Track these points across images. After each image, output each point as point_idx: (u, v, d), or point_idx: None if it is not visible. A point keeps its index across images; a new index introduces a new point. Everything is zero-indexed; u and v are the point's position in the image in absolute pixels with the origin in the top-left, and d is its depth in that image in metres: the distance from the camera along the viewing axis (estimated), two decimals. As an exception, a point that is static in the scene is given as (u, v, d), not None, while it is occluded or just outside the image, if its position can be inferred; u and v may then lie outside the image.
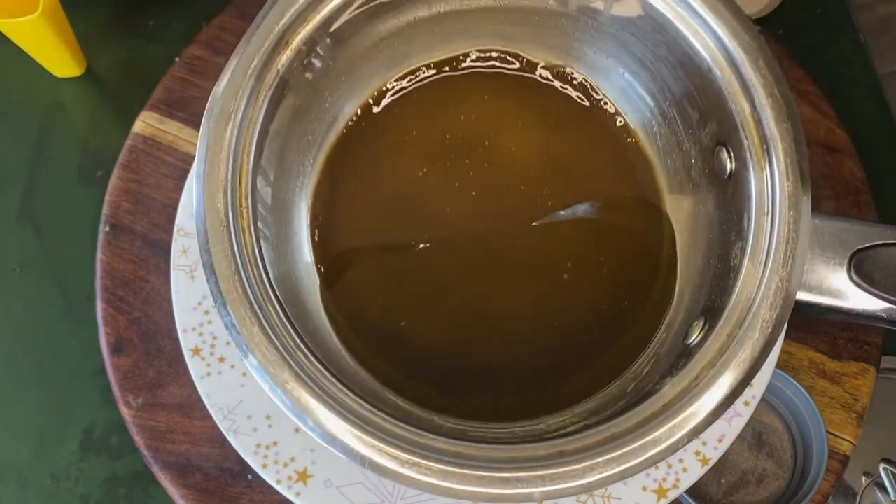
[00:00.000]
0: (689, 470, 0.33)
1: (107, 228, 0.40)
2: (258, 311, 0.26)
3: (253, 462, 0.34)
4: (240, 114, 0.28)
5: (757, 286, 0.27)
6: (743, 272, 0.27)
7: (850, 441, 0.38)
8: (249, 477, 0.36)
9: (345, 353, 0.32)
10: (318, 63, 0.31)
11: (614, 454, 0.25)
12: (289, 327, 0.27)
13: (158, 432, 0.37)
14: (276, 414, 0.34)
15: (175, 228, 0.37)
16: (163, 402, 0.37)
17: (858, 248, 0.27)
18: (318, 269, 0.33)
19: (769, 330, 0.26)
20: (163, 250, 0.39)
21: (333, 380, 0.26)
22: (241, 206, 0.27)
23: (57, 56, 0.44)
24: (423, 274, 0.34)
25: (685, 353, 0.28)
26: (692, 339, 0.29)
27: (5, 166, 0.44)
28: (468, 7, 0.34)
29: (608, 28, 0.33)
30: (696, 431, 0.25)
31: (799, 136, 0.28)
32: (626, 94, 0.35)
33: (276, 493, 0.34)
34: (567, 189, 0.35)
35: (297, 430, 0.34)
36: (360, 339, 0.33)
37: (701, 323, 0.29)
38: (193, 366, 0.35)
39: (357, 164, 0.35)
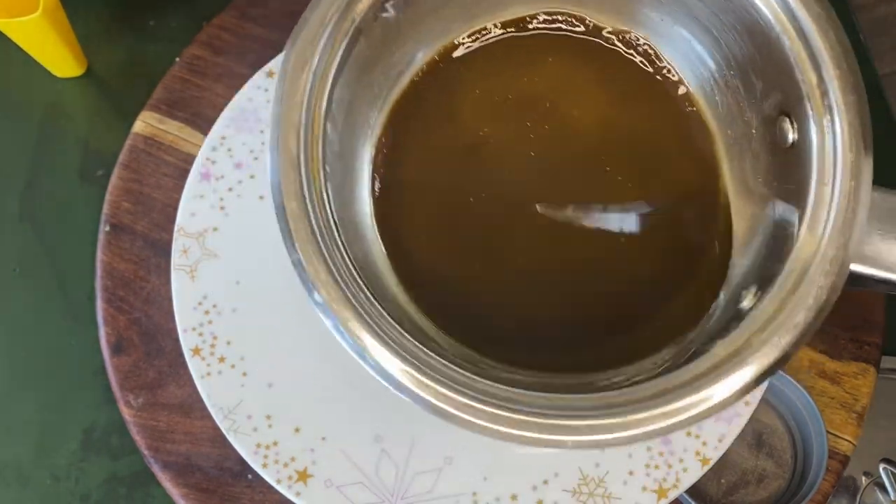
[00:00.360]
0: (689, 470, 0.34)
1: (107, 228, 0.40)
2: (324, 250, 0.27)
3: (253, 462, 0.34)
4: (315, 60, 0.29)
5: (813, 254, 0.27)
6: (799, 240, 0.27)
7: (850, 441, 0.38)
8: (250, 477, 0.36)
9: (402, 299, 0.32)
10: (390, 15, 0.31)
11: (663, 409, 0.25)
12: (352, 269, 0.27)
13: (159, 432, 0.37)
14: (276, 414, 0.34)
15: (175, 228, 0.37)
16: (163, 401, 0.37)
17: None
18: (377, 220, 0.34)
19: (823, 297, 0.26)
20: (163, 250, 0.39)
21: (393, 322, 0.27)
22: (312, 150, 0.28)
23: (57, 56, 0.44)
24: (480, 229, 0.34)
25: (737, 317, 0.28)
26: (744, 303, 0.29)
27: (5, 166, 0.44)
28: None
29: None
30: (746, 391, 0.26)
31: (863, 109, 0.28)
32: (690, 62, 0.35)
33: (277, 492, 0.34)
34: (626, 153, 0.35)
35: (296, 429, 0.34)
36: (416, 288, 0.33)
37: (754, 289, 0.29)
38: (194, 366, 0.35)
39: (420, 119, 0.35)
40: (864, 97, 0.28)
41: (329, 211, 0.28)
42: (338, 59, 0.29)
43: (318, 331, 0.36)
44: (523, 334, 0.33)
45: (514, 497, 0.33)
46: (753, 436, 0.39)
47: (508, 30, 0.36)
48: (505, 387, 0.26)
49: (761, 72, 0.31)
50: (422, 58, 0.35)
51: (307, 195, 0.27)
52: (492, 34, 0.36)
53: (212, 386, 0.35)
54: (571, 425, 0.25)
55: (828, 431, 0.38)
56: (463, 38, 0.36)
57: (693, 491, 0.37)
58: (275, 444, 0.34)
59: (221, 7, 0.44)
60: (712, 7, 0.32)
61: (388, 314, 0.27)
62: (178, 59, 0.43)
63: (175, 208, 0.37)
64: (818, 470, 0.37)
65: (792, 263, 0.27)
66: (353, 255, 0.28)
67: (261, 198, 0.38)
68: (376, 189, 0.34)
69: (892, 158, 0.46)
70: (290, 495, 0.33)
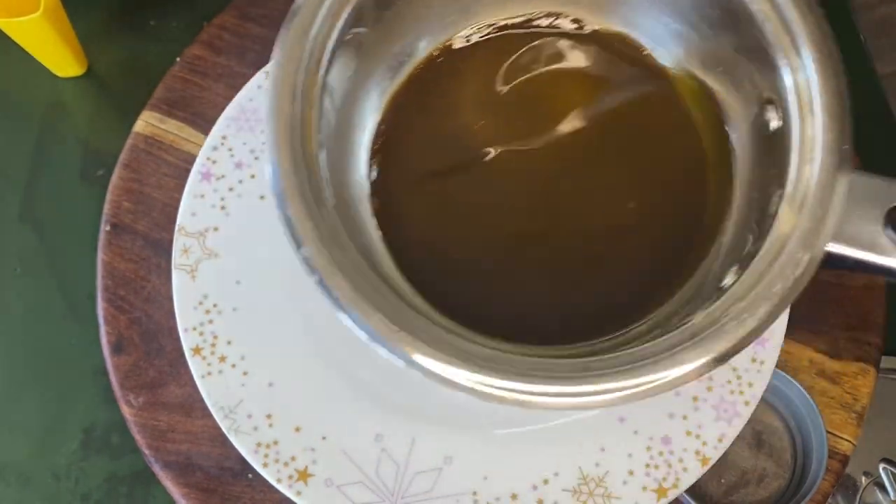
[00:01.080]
0: (689, 469, 0.34)
1: (108, 228, 0.40)
2: (313, 207, 0.27)
3: (253, 461, 0.34)
4: (314, 29, 0.29)
5: (792, 228, 0.27)
6: (779, 217, 0.28)
7: (850, 441, 0.38)
8: (250, 476, 0.36)
9: (398, 282, 0.33)
10: (388, 8, 0.32)
11: (639, 375, 0.26)
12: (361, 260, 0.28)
13: (159, 431, 0.37)
14: (276, 413, 0.34)
15: (176, 228, 0.37)
16: (163, 401, 0.37)
17: (895, 205, 0.28)
18: (373, 200, 0.34)
19: (801, 269, 0.27)
20: (164, 250, 0.39)
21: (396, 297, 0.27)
22: (309, 110, 0.28)
23: (58, 55, 0.44)
24: (477, 217, 0.35)
25: (718, 294, 0.28)
26: (726, 281, 0.29)
27: (6, 165, 0.44)
28: None
29: None
30: (722, 358, 0.26)
31: (842, 91, 0.29)
32: (677, 57, 0.36)
33: (277, 492, 0.34)
34: (620, 143, 0.36)
35: (297, 429, 0.34)
36: (415, 273, 0.33)
37: (736, 268, 0.29)
38: (194, 365, 0.35)
39: (417, 111, 0.36)
40: (843, 80, 0.29)
41: (323, 178, 0.28)
42: (336, 32, 0.30)
43: (318, 330, 0.36)
44: (518, 313, 0.33)
45: (514, 496, 0.33)
46: (753, 436, 0.39)
47: (502, 29, 0.37)
48: (490, 348, 0.26)
49: (747, 63, 0.32)
50: (420, 52, 0.36)
51: (303, 162, 0.28)
52: (485, 33, 0.37)
53: (212, 385, 0.35)
54: (546, 390, 0.25)
55: (828, 431, 0.38)
56: (459, 35, 0.37)
57: (693, 491, 0.37)
58: (275, 443, 0.34)
59: (222, 7, 0.44)
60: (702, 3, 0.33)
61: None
62: (178, 58, 0.43)
63: (176, 208, 0.37)
64: (818, 470, 0.37)
65: (771, 240, 0.28)
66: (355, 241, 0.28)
67: (262, 197, 0.38)
68: (373, 173, 0.35)
69: (892, 159, 0.46)
70: (290, 494, 0.33)
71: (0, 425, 0.40)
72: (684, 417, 0.34)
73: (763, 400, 0.35)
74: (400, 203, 0.35)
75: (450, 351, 0.26)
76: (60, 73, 0.46)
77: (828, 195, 0.27)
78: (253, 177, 0.38)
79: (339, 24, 0.30)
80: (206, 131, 0.39)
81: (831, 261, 0.28)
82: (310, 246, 0.26)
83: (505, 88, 0.37)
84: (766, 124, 0.31)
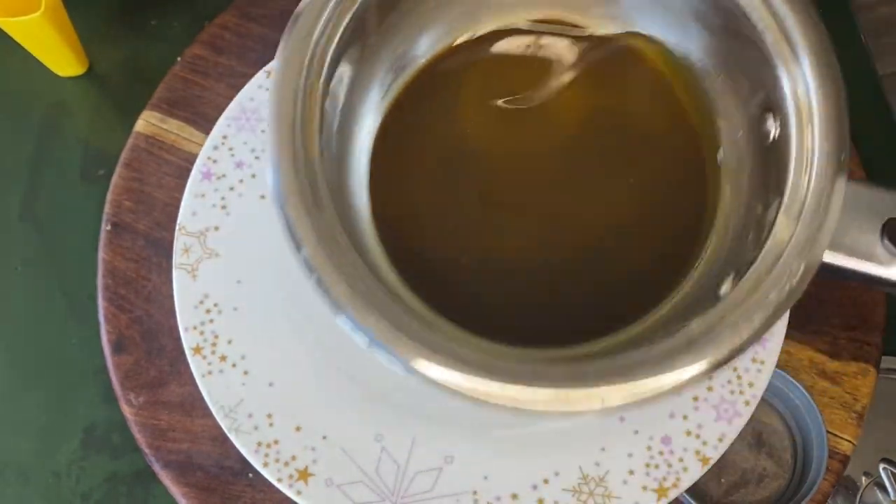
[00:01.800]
0: (689, 469, 0.34)
1: (108, 227, 0.40)
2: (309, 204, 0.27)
3: (254, 460, 0.34)
4: (316, 34, 0.29)
5: (789, 237, 0.28)
6: (776, 226, 0.28)
7: (850, 441, 0.38)
8: (250, 475, 0.36)
9: (393, 281, 0.33)
10: (389, 14, 0.32)
11: (634, 383, 0.26)
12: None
13: (159, 431, 0.37)
14: (276, 412, 0.35)
15: (177, 227, 0.37)
16: (164, 400, 0.37)
17: (893, 216, 0.28)
18: (372, 201, 0.34)
19: (796, 279, 0.27)
20: (164, 249, 0.39)
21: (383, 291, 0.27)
22: (310, 113, 0.29)
23: (59, 55, 0.44)
24: (474, 208, 0.35)
25: (715, 302, 0.29)
26: (722, 289, 0.29)
27: (7, 165, 0.44)
28: None
29: None
30: (717, 365, 0.26)
31: (841, 101, 0.29)
32: (679, 67, 0.36)
33: (278, 491, 0.34)
34: (620, 149, 0.36)
35: (297, 428, 0.34)
36: (408, 269, 0.33)
37: (732, 276, 0.29)
38: (195, 364, 0.35)
39: (417, 114, 0.36)
40: (841, 89, 0.29)
41: (322, 181, 0.28)
42: (337, 38, 0.30)
43: (319, 330, 0.36)
44: (510, 313, 0.33)
45: (514, 496, 0.33)
46: (753, 436, 0.39)
47: (506, 33, 0.37)
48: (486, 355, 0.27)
49: (746, 71, 0.32)
50: (422, 55, 0.36)
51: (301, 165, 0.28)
52: (488, 37, 0.37)
53: (213, 385, 0.35)
54: (543, 396, 0.25)
55: (828, 431, 0.38)
56: (460, 39, 0.37)
57: (693, 490, 0.37)
58: (275, 442, 0.34)
59: (223, 7, 0.44)
60: (704, 6, 0.33)
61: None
62: (179, 58, 0.43)
63: (176, 207, 0.37)
64: (818, 470, 0.37)
65: (768, 248, 0.28)
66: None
67: (262, 197, 0.38)
68: (371, 177, 0.35)
69: (892, 159, 0.46)
70: (290, 494, 0.33)
71: (0, 425, 0.40)
72: (684, 417, 0.34)
73: (763, 400, 0.35)
74: (398, 205, 0.35)
75: (447, 356, 0.26)
76: (61, 73, 0.46)
77: (825, 204, 0.28)
78: (254, 176, 0.38)
79: (341, 28, 0.30)
80: (206, 131, 0.39)
81: (828, 271, 0.28)
82: (309, 247, 0.27)
83: (505, 91, 0.37)
84: (766, 134, 0.31)
